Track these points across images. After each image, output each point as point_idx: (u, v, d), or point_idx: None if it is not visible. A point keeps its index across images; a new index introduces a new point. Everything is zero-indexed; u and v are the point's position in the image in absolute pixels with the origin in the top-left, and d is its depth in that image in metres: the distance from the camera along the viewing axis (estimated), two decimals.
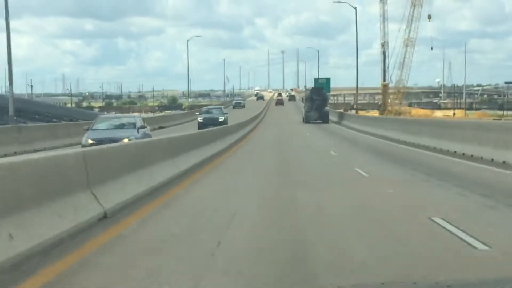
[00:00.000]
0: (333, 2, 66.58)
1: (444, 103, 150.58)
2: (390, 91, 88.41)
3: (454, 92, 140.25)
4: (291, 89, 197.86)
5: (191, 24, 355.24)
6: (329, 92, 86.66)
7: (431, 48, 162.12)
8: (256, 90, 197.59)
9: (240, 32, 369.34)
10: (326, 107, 61.87)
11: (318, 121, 57.33)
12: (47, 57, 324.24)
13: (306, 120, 58.17)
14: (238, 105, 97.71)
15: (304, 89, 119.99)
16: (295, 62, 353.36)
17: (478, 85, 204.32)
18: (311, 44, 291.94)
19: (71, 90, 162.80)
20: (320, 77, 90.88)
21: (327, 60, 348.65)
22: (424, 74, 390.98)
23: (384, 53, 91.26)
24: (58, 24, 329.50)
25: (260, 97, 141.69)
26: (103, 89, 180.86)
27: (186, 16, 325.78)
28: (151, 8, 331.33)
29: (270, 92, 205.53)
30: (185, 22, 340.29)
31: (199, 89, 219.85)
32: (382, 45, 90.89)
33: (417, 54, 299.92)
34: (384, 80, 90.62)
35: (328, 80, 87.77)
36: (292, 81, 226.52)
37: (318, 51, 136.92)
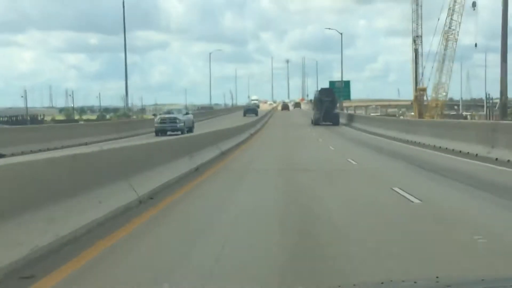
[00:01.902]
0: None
1: (471, 115, 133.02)
2: (422, 98, 69.80)
3: (490, 103, 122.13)
4: (301, 99, 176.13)
5: (195, 38, 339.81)
6: (349, 98, 69.05)
7: (475, 45, 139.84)
8: (253, 100, 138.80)
9: (245, 46, 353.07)
10: (336, 109, 58.66)
11: (327, 123, 54.11)
12: (51, 71, 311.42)
13: (315, 122, 54.95)
14: (168, 128, 37.73)
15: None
16: (298, 77, 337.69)
17: (488, 99, 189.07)
18: (315, 57, 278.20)
19: (23, 101, 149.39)
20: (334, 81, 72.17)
21: (331, 75, 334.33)
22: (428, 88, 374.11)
23: (416, 50, 72.72)
24: (62, 38, 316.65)
25: (250, 110, 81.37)
26: (73, 102, 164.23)
27: (190, 30, 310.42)
28: (155, 22, 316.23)
29: (271, 104, 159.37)
30: (189, 36, 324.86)
31: (203, 103, 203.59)
32: (414, 41, 72.51)
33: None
34: (417, 85, 72.12)
35: (347, 83, 69.58)
36: (297, 95, 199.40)
37: (341, 34, 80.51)
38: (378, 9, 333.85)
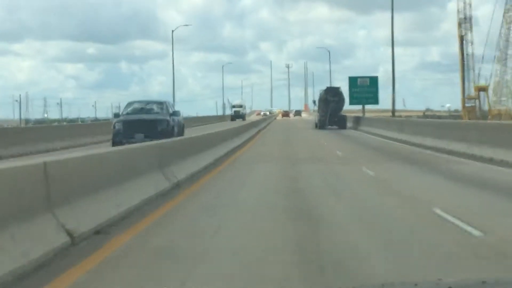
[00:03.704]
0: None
1: None
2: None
3: None
4: (304, 106, 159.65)
5: (194, 48, 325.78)
6: (377, 103, 51.10)
7: None
8: (235, 107, 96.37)
9: (245, 56, 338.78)
10: (342, 110, 52.34)
11: (333, 126, 49.13)
12: (48, 81, 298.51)
13: (320, 125, 50.19)
14: None
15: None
16: (299, 88, 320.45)
17: None
18: (315, 67, 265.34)
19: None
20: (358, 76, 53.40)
21: (331, 84, 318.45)
22: (428, 100, 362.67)
23: (461, 37, 54.70)
24: (60, 48, 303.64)
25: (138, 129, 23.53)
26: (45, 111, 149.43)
27: (189, 40, 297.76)
28: (154, 31, 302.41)
29: (264, 114, 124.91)
30: (188, 46, 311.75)
31: (201, 114, 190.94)
32: (459, 25, 54.14)
33: (420, 80, 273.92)
34: (465, 84, 54.11)
35: (374, 81, 51.35)
36: (298, 105, 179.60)
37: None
38: (378, 19, 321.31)
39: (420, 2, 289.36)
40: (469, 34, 53.12)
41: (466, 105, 52.85)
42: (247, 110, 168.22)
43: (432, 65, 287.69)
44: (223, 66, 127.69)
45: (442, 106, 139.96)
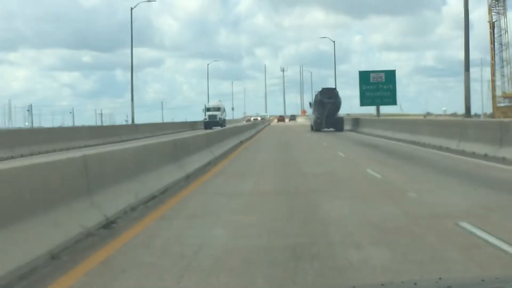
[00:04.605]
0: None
1: None
2: None
3: None
4: (302, 112, 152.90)
5: (190, 55, 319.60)
6: (395, 103, 42.80)
7: None
8: (211, 109, 70.67)
9: (240, 63, 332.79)
10: (339, 112, 50.00)
11: (330, 129, 46.71)
12: (45, 90, 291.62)
13: (316, 127, 47.92)
14: None
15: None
16: (295, 93, 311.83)
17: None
18: (310, 73, 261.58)
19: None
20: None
21: (336, 83, 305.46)
22: (424, 104, 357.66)
23: (493, 24, 46.42)
24: (55, 56, 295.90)
25: None
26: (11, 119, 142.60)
27: (185, 47, 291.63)
28: (149, 39, 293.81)
29: (255, 119, 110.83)
30: (184, 53, 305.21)
31: (199, 120, 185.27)
32: (490, 9, 45.54)
33: (415, 84, 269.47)
34: (494, 79, 46.23)
35: (391, 76, 42.82)
36: (293, 110, 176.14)
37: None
38: (373, 23, 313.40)
39: (416, 6, 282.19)
40: (502, 20, 44.44)
41: (499, 104, 44.29)
42: (240, 115, 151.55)
43: (426, 69, 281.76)
44: (208, 65, 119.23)
45: (427, 112, 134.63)
